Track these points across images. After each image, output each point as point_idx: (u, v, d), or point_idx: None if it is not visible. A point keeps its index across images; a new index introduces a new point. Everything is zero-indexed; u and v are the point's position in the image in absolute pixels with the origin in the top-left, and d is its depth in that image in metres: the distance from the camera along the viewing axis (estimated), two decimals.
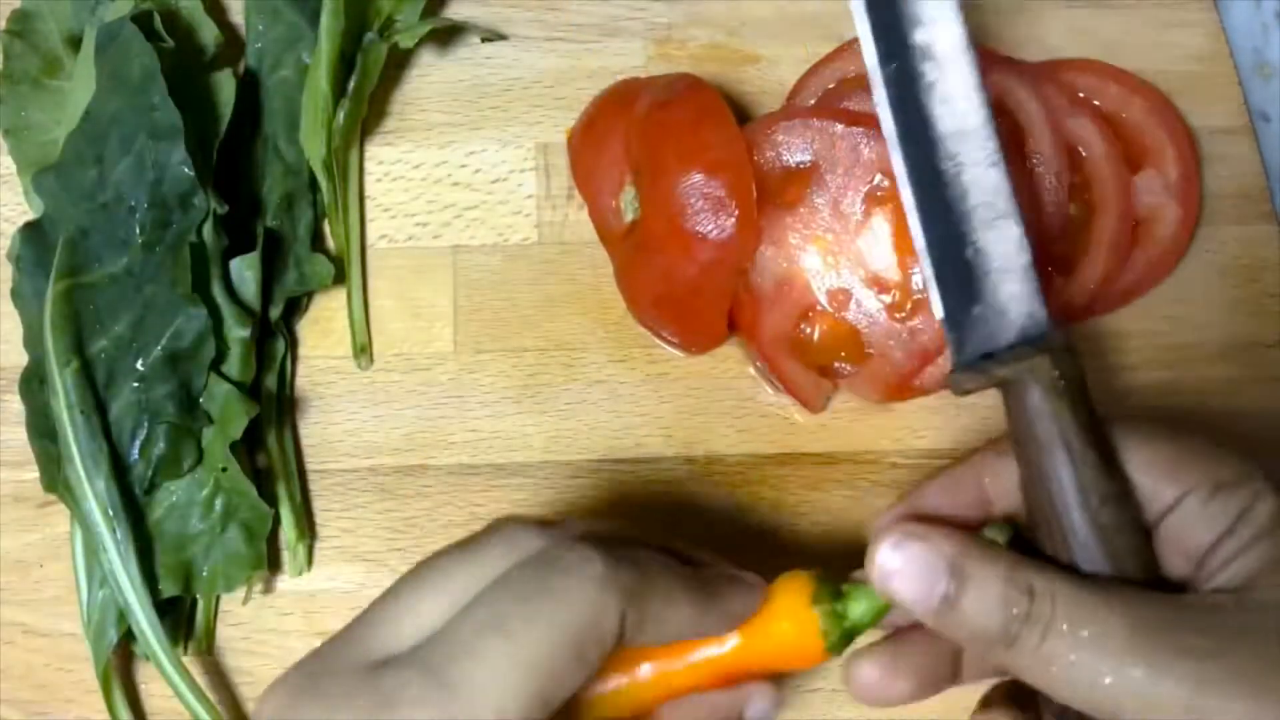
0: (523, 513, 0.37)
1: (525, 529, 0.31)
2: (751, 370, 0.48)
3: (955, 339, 0.33)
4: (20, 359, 0.44)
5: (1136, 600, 0.29)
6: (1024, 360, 0.31)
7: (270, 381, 0.46)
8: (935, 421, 0.47)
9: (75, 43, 0.48)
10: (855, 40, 0.49)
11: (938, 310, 0.33)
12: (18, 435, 0.44)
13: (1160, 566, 0.31)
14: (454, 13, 0.53)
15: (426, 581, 0.30)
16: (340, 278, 0.48)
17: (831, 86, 0.50)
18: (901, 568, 0.30)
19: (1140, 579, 0.30)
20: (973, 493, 0.34)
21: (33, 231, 0.44)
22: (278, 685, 0.29)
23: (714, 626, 0.32)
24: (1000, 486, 0.33)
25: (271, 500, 0.44)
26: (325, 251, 0.48)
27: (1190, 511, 0.30)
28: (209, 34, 0.49)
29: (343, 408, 0.47)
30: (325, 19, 0.47)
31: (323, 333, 0.48)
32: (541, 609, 0.28)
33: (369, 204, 0.50)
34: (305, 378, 0.47)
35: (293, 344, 0.47)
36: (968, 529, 0.31)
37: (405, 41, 0.49)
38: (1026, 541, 0.32)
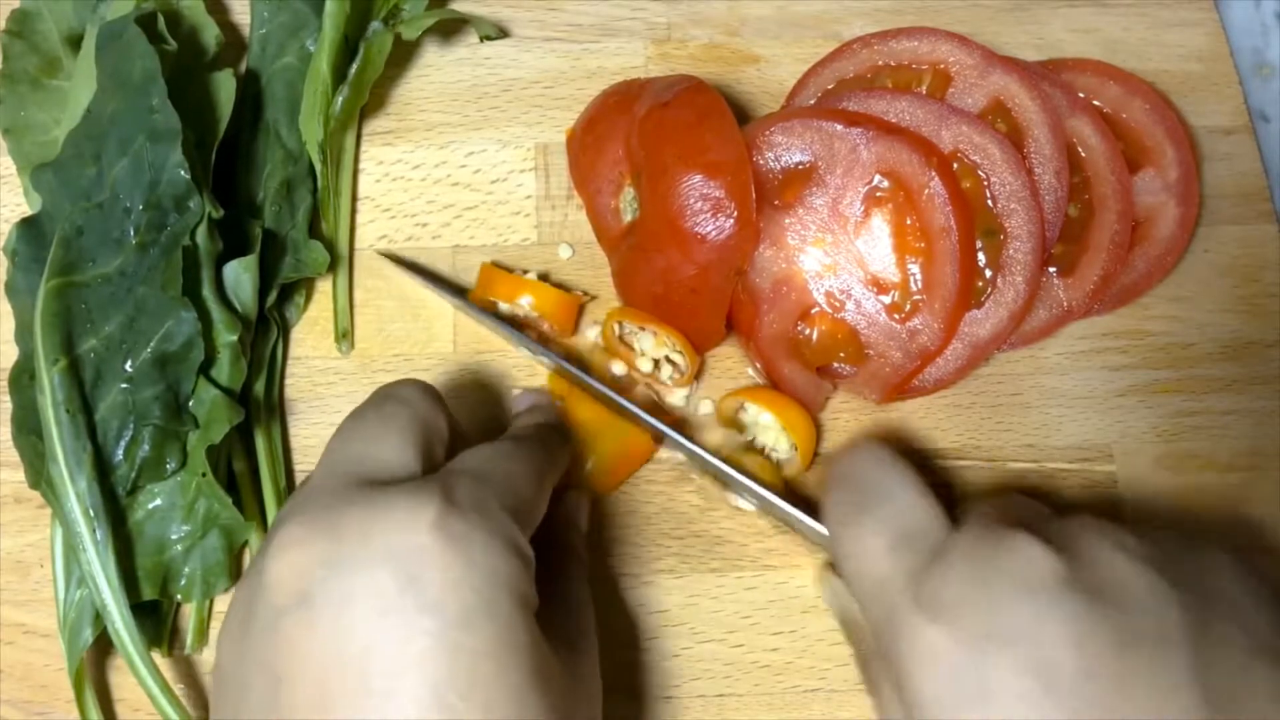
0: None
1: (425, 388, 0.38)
2: (750, 371, 0.48)
3: None
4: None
5: None
6: None
7: (260, 386, 0.45)
8: (935, 421, 0.47)
9: (75, 43, 0.48)
10: (855, 40, 0.50)
11: None
12: None
13: None
14: None
15: (387, 418, 0.36)
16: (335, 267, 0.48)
17: (831, 87, 0.50)
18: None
19: None
20: None
21: (29, 227, 0.44)
22: (289, 518, 0.32)
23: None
24: None
25: (262, 502, 0.44)
26: (323, 239, 0.48)
27: None
28: (210, 35, 0.49)
29: (343, 409, 0.46)
30: (330, 3, 0.47)
31: (322, 333, 0.48)
32: (516, 454, 0.37)
33: (369, 205, 0.50)
34: (305, 379, 0.47)
35: (285, 336, 0.47)
36: None
37: (409, 32, 0.49)
38: None
